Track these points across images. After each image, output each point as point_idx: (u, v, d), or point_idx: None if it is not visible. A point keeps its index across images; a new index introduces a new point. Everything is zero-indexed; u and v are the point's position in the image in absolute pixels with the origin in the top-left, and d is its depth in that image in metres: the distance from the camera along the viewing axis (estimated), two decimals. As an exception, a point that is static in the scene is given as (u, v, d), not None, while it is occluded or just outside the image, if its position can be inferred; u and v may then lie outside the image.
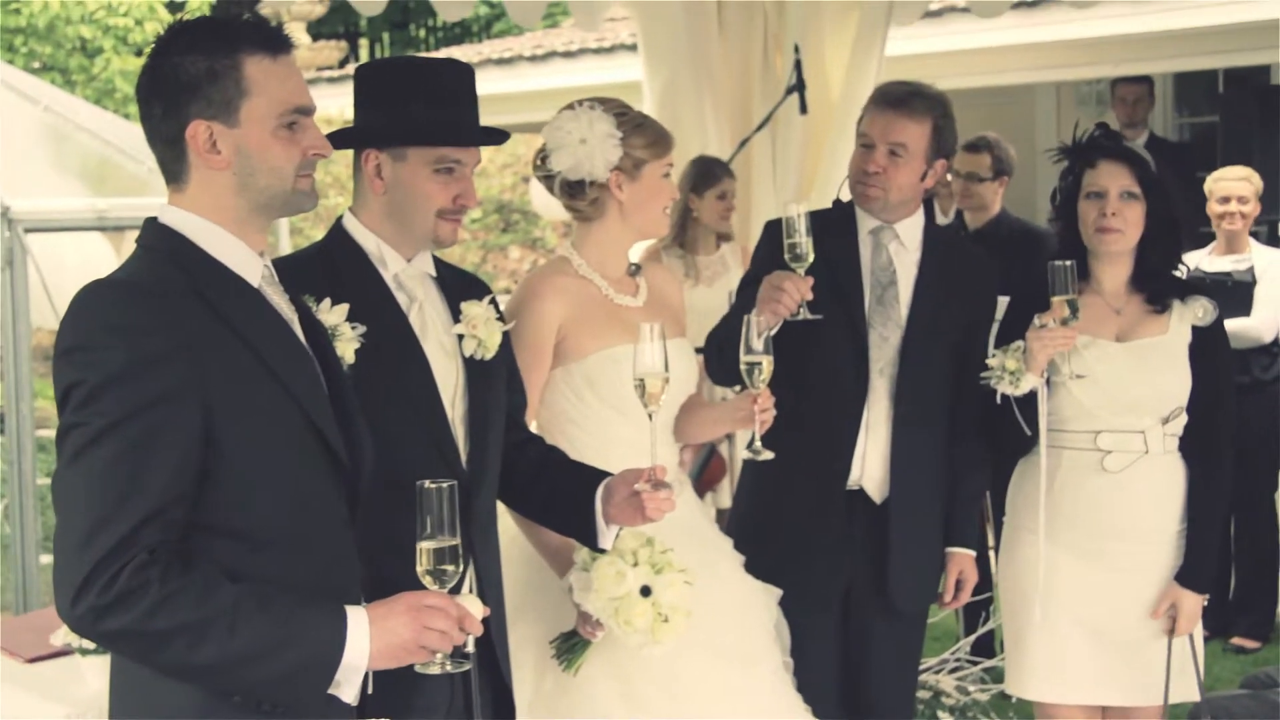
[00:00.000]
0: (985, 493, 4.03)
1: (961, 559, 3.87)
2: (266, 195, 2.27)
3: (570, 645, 3.15)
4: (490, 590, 2.85)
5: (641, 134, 3.31)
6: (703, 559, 3.23)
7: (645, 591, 3.01)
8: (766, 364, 3.21)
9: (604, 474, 2.95)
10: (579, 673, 3.15)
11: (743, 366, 3.22)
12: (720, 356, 3.56)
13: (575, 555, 3.08)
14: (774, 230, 3.77)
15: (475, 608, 2.40)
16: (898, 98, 3.75)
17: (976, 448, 3.84)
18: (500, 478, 2.95)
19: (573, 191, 3.34)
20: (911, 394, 3.73)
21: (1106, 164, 3.65)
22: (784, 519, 3.77)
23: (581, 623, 3.11)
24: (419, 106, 2.77)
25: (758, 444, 3.28)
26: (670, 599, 3.01)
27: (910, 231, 3.81)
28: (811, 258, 3.46)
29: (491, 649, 2.84)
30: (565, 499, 2.97)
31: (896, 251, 3.79)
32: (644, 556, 3.02)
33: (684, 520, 3.32)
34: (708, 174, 5.94)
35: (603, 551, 2.99)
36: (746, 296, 3.64)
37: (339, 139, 2.82)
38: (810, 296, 3.46)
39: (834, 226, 3.77)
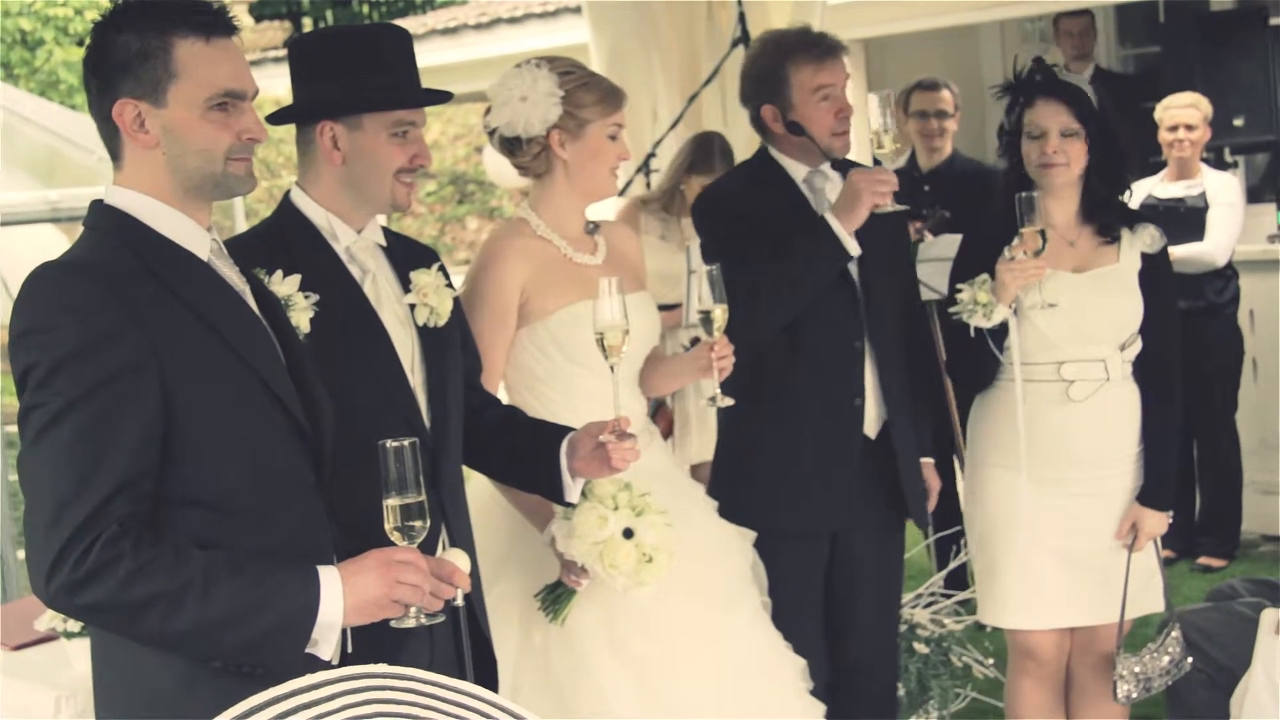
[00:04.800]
0: (939, 402, 4.15)
1: (924, 468, 3.99)
2: (197, 177, 2.30)
3: (555, 596, 3.20)
4: (468, 547, 2.88)
5: (586, 92, 3.32)
6: (676, 506, 3.27)
7: (628, 534, 3.06)
8: (720, 312, 3.24)
9: (566, 429, 2.99)
10: (565, 623, 3.20)
11: (697, 316, 3.26)
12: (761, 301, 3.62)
13: (556, 505, 3.13)
14: (713, 197, 3.91)
15: (462, 562, 2.45)
16: (834, 44, 3.82)
17: (924, 358, 3.96)
18: (466, 438, 2.98)
19: (510, 148, 3.38)
20: (880, 324, 3.81)
21: (1044, 103, 3.71)
22: (788, 458, 3.79)
23: (565, 572, 3.16)
24: (370, 74, 2.79)
25: (716, 392, 3.31)
26: (652, 540, 3.06)
27: (832, 170, 3.87)
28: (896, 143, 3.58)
29: (470, 605, 2.89)
30: (529, 456, 3.01)
31: (830, 192, 3.83)
32: (624, 500, 3.07)
33: (656, 468, 3.38)
34: (705, 159, 5.88)
35: (571, 505, 3.04)
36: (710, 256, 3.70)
37: (291, 115, 2.84)
38: (897, 187, 3.57)
39: (769, 177, 3.83)
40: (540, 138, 3.32)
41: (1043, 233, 3.59)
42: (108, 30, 2.28)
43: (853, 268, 3.77)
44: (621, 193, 6.34)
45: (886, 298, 3.83)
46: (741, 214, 3.69)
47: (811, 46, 3.83)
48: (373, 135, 2.81)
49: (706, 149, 5.89)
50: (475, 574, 2.93)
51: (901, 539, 4.03)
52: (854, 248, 3.60)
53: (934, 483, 4.03)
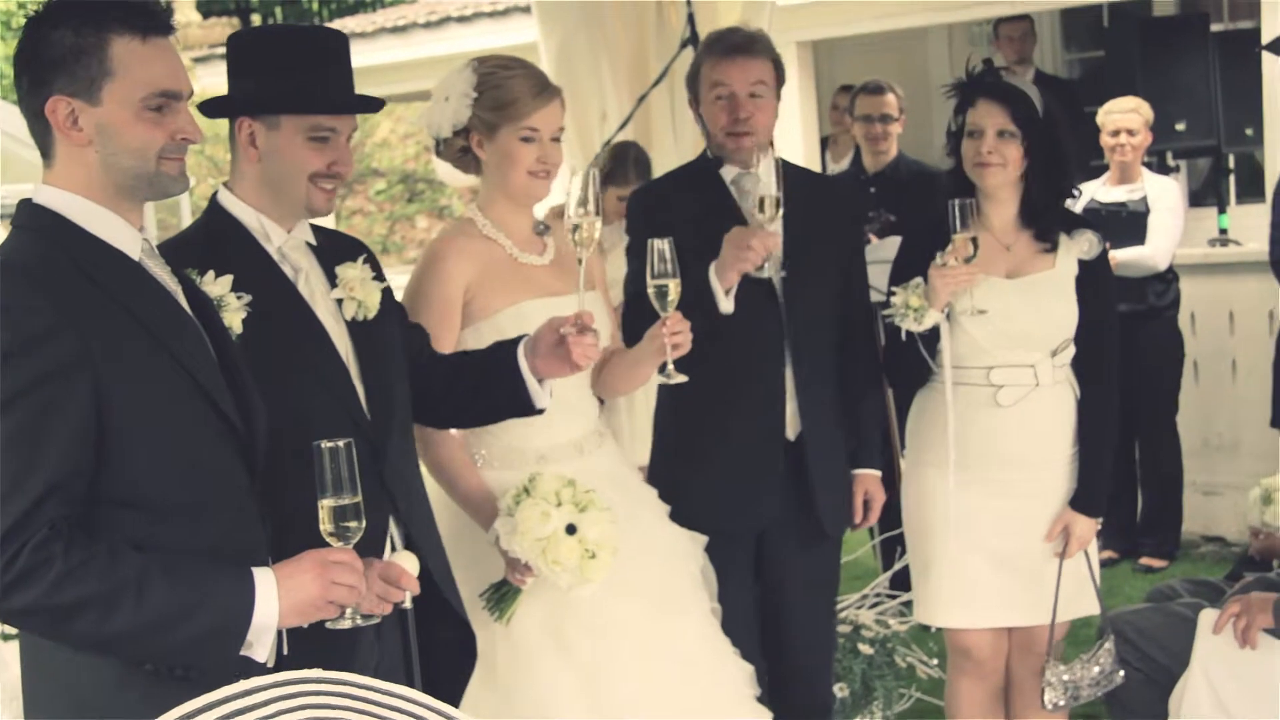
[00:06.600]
0: (881, 416, 4.13)
1: (866, 479, 3.97)
2: (130, 176, 2.28)
3: (501, 595, 3.18)
4: (425, 535, 2.88)
5: (495, 95, 3.29)
6: (626, 508, 3.27)
7: (571, 530, 3.04)
8: (674, 286, 3.20)
9: (520, 337, 2.97)
10: (511, 624, 3.18)
11: (651, 291, 3.22)
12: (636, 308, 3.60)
13: (500, 502, 3.12)
14: (644, 199, 3.93)
15: (410, 565, 2.44)
16: (744, 42, 3.80)
17: (868, 374, 3.95)
18: (422, 398, 2.98)
19: (436, 147, 3.39)
20: (804, 331, 3.80)
21: (984, 103, 3.73)
22: (713, 462, 3.79)
23: (510, 569, 3.15)
24: (291, 74, 2.76)
25: (670, 368, 3.27)
26: (596, 536, 3.05)
27: (768, 174, 3.85)
28: (781, 211, 3.51)
29: (440, 593, 2.88)
30: (491, 375, 2.98)
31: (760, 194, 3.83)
32: (567, 496, 3.06)
33: (606, 469, 3.38)
34: (620, 170, 5.78)
35: (540, 412, 3.00)
36: (634, 267, 3.73)
37: (213, 108, 2.82)
38: (777, 250, 3.52)
39: (701, 178, 3.84)
40: (453, 139, 3.33)
41: (974, 240, 3.61)
42: (42, 26, 2.25)
43: (773, 270, 3.76)
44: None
45: (813, 304, 3.81)
46: (664, 215, 3.67)
47: (716, 43, 3.84)
48: (289, 136, 2.77)
49: (621, 160, 5.86)
50: (442, 558, 2.94)
51: (833, 545, 4.00)
52: (725, 306, 3.55)
53: (877, 495, 3.98)
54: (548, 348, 2.89)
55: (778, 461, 3.80)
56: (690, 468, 3.82)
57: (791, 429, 3.83)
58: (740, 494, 3.79)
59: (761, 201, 3.50)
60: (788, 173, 3.90)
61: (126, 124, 2.25)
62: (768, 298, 3.76)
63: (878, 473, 4.00)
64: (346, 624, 2.30)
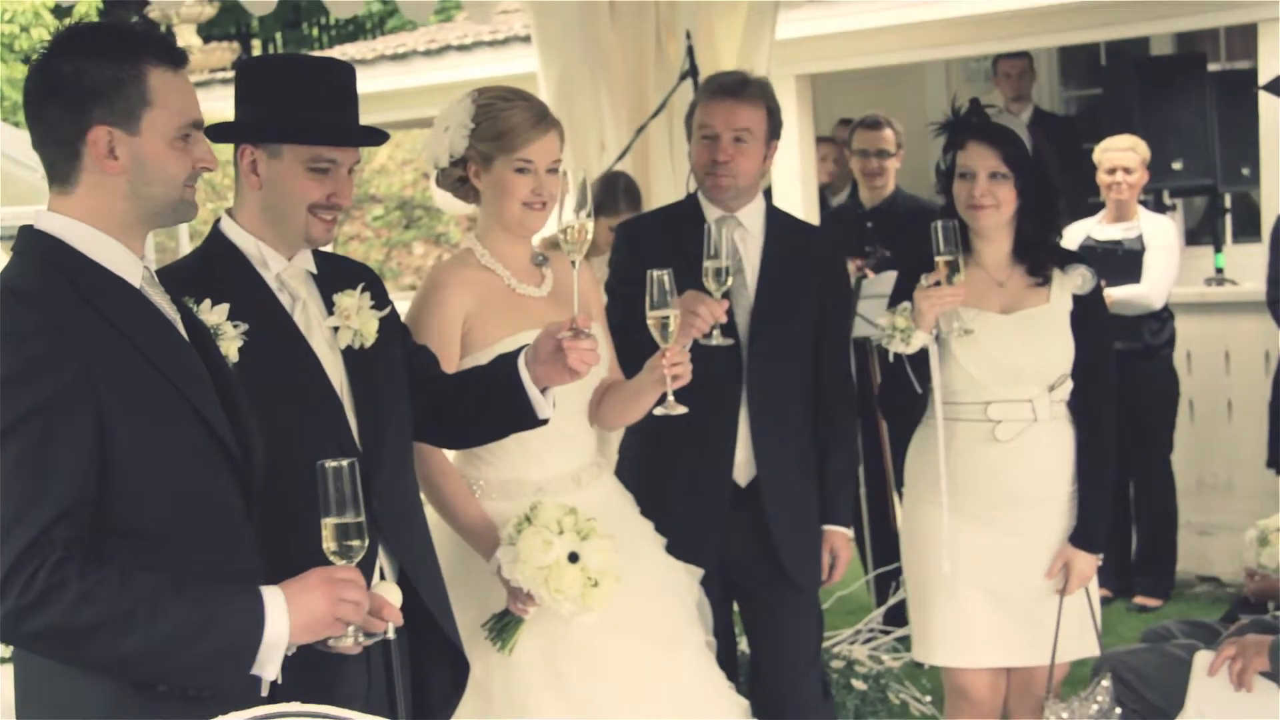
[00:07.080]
0: (855, 470, 4.10)
1: (833, 536, 3.94)
2: (157, 204, 2.31)
3: (503, 625, 3.17)
4: (420, 564, 2.88)
5: (490, 126, 3.29)
6: (624, 541, 3.25)
7: (573, 558, 3.04)
8: (674, 317, 3.20)
9: (520, 349, 2.97)
10: (509, 656, 3.16)
11: (651, 322, 3.20)
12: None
13: (501, 531, 3.12)
14: (627, 233, 3.94)
15: (393, 595, 2.44)
16: (734, 86, 3.84)
17: (842, 426, 3.95)
18: (429, 418, 2.99)
19: (436, 176, 3.40)
20: (765, 373, 3.81)
21: (975, 145, 3.74)
22: (661, 496, 3.77)
23: (512, 599, 3.14)
24: (296, 104, 2.77)
25: (670, 399, 3.26)
26: (598, 563, 3.04)
27: (753, 218, 3.89)
28: (730, 282, 3.49)
29: (434, 620, 2.88)
30: (494, 387, 2.97)
31: (742, 238, 3.86)
32: (569, 525, 3.05)
33: (606, 503, 3.38)
34: (610, 201, 5.74)
35: (544, 422, 2.99)
36: (614, 301, 3.74)
37: (217, 134, 2.83)
38: (724, 320, 3.51)
39: (686, 217, 3.87)
40: (450, 169, 3.34)
41: (955, 261, 3.63)
42: (71, 54, 2.27)
43: (742, 316, 3.77)
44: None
45: (780, 357, 3.81)
46: (645, 252, 3.69)
47: (708, 84, 3.91)
48: (289, 166, 2.79)
49: (611, 190, 5.85)
50: (441, 585, 2.94)
51: (806, 594, 3.96)
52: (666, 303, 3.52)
53: (843, 552, 3.95)
54: (547, 354, 2.90)
55: (721, 504, 3.81)
56: (642, 497, 3.78)
57: (743, 475, 3.83)
58: (685, 530, 3.72)
59: (705, 271, 3.46)
60: (773, 221, 3.93)
61: (161, 153, 2.29)
62: (730, 350, 3.74)
63: (846, 530, 3.98)
64: (349, 641, 2.32)
